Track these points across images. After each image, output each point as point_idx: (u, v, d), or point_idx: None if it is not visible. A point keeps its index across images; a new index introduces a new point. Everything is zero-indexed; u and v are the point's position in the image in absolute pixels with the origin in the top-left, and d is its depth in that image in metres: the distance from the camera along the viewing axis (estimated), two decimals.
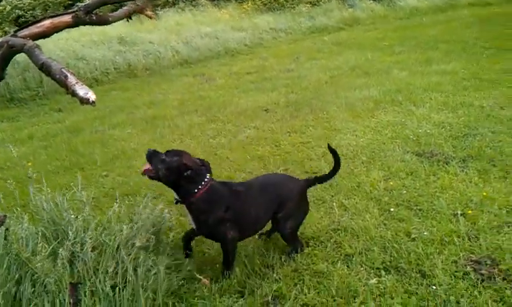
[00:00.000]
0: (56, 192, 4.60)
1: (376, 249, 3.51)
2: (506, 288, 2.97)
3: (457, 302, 2.88)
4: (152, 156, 3.41)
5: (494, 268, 3.17)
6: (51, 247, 3.27)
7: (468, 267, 3.20)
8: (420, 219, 3.85)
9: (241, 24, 15.69)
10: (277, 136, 6.17)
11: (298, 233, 3.66)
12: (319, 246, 3.65)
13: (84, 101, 2.04)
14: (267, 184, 3.61)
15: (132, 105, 8.84)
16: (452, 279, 3.10)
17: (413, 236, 3.62)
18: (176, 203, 3.39)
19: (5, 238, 3.22)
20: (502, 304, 2.86)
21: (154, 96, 9.36)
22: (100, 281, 2.98)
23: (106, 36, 13.05)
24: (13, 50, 2.25)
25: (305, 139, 5.96)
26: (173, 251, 3.47)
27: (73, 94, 2.14)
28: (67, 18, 3.14)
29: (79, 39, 12.94)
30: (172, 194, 4.64)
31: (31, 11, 19.07)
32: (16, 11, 18.53)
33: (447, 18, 15.53)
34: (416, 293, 3.02)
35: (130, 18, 4.01)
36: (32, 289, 3.01)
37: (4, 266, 3.02)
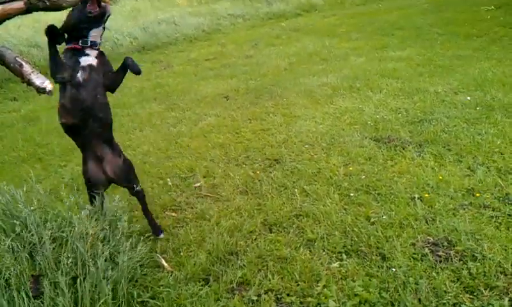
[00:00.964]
0: (12, 184, 4.53)
1: (337, 233, 3.59)
2: (462, 269, 3.09)
3: (416, 283, 2.98)
4: None
5: (450, 250, 3.28)
6: (10, 240, 3.21)
7: (426, 249, 3.31)
8: (379, 203, 3.95)
9: (199, 10, 15.59)
10: (238, 123, 6.18)
11: None
12: (281, 232, 3.71)
13: (40, 90, 2.00)
14: None
15: None
16: (410, 261, 3.20)
17: (372, 220, 3.71)
18: None
19: None
20: (459, 284, 2.96)
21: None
22: (61, 273, 2.95)
23: (60, 22, 12.71)
24: None
25: (265, 126, 5.99)
26: (132, 239, 3.44)
27: (29, 83, 2.09)
28: (19, 4, 3.03)
29: (32, 25, 12.57)
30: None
31: None
32: None
33: (403, 5, 15.76)
34: (377, 275, 3.11)
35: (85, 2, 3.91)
36: None
37: None
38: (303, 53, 10.21)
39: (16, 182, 4.92)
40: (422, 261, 3.20)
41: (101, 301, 2.85)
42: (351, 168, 4.61)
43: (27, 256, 3.06)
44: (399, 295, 2.90)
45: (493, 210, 3.67)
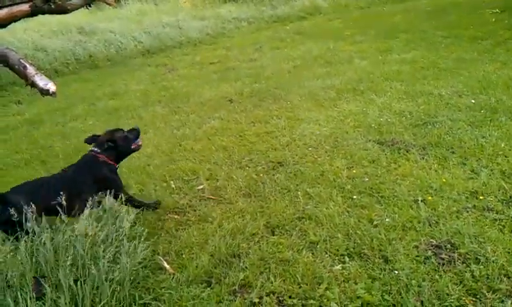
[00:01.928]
0: None
1: (339, 236, 3.58)
2: (465, 271, 3.07)
3: (419, 286, 2.97)
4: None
5: (454, 253, 3.27)
6: (11, 241, 3.23)
7: (429, 252, 3.30)
8: (382, 205, 3.94)
9: (204, 13, 15.63)
10: (241, 126, 6.19)
11: None
12: (284, 235, 3.70)
13: (44, 92, 2.01)
14: None
15: (93, 96, 8.72)
16: (413, 264, 3.19)
17: (375, 222, 3.70)
18: None
19: None
20: (462, 287, 2.95)
21: (116, 87, 9.25)
22: (65, 274, 2.95)
23: (66, 26, 12.80)
24: None
25: (269, 128, 6.00)
26: (134, 241, 3.45)
27: (33, 85, 2.10)
28: (25, 7, 3.07)
29: (38, 29, 12.66)
30: (137, 186, 4.64)
31: None
32: None
33: (407, 8, 15.74)
34: (380, 278, 3.10)
35: (90, 6, 3.96)
36: None
37: None
38: (307, 56, 10.21)
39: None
40: (425, 263, 3.19)
41: (102, 303, 2.86)
42: (354, 171, 4.60)
43: (28, 257, 3.07)
44: (402, 297, 2.89)
45: (497, 213, 3.65)
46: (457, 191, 4.01)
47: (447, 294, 2.89)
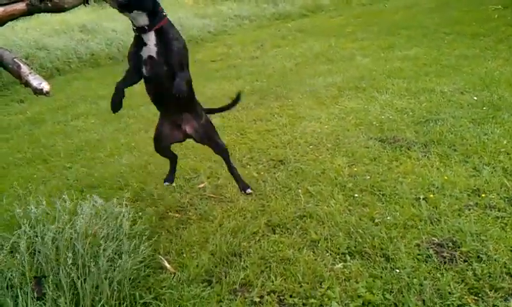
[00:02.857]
0: (18, 186, 4.55)
1: (341, 234, 3.57)
2: (467, 270, 3.05)
3: (421, 285, 2.95)
4: None
5: (455, 251, 3.25)
6: (11, 241, 3.22)
7: (431, 250, 3.28)
8: (383, 203, 3.92)
9: (205, 11, 15.60)
10: (242, 124, 6.17)
11: None
12: (285, 233, 3.69)
13: (37, 91, 2.00)
14: None
15: (95, 95, 8.70)
16: (415, 262, 3.18)
17: (376, 220, 3.68)
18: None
19: None
20: (464, 285, 2.93)
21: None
22: (64, 274, 2.95)
23: (67, 24, 12.79)
24: None
25: (270, 126, 5.98)
26: (134, 240, 3.44)
27: (27, 84, 2.09)
28: (21, 5, 3.04)
29: (40, 28, 12.64)
30: (138, 185, 4.63)
31: None
32: None
33: (409, 4, 15.69)
34: (381, 276, 3.08)
35: (87, 3, 3.94)
36: None
37: None
38: (309, 54, 10.19)
39: (22, 183, 4.97)
40: (427, 262, 3.17)
41: (102, 302, 2.85)
42: (355, 169, 4.58)
43: (28, 256, 3.07)
44: (403, 296, 2.87)
45: (499, 211, 3.63)
46: (459, 189, 3.99)
47: (449, 293, 2.87)
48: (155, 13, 3.42)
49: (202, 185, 4.64)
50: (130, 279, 3.11)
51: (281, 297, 3.04)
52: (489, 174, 4.16)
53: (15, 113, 8.09)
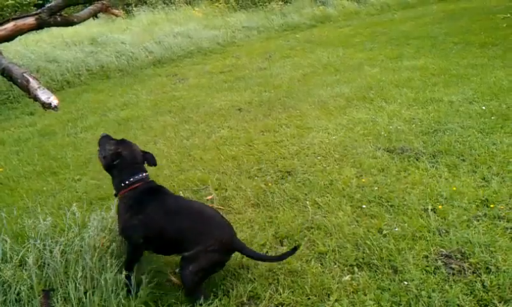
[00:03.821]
0: (27, 198, 4.58)
1: (348, 246, 3.56)
2: (476, 281, 3.04)
3: (429, 297, 2.94)
4: (102, 141, 3.38)
5: (464, 262, 3.24)
6: (20, 255, 3.24)
7: (439, 262, 3.26)
8: (391, 215, 3.91)
9: (214, 23, 15.66)
10: (250, 135, 6.18)
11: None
12: (293, 245, 3.67)
13: (46, 106, 2.01)
14: (200, 214, 3.30)
15: (105, 107, 8.75)
16: (423, 274, 3.16)
17: (384, 232, 3.67)
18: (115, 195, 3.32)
19: None
20: (473, 297, 2.92)
21: (127, 98, 9.28)
22: (72, 287, 2.97)
23: (78, 37, 12.91)
24: None
25: (278, 138, 5.98)
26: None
27: (36, 99, 2.11)
28: (31, 20, 3.09)
29: (51, 41, 12.77)
30: None
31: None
32: None
33: (417, 14, 15.71)
34: (389, 289, 3.07)
35: (96, 17, 3.99)
36: (4, 297, 2.98)
37: None
38: (317, 64, 10.20)
39: (31, 196, 5.01)
40: (435, 274, 3.16)
41: None
42: (363, 180, 4.57)
43: (36, 269, 3.09)
44: None
45: (508, 221, 3.61)
46: (467, 199, 3.97)
47: (458, 305, 2.86)
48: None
49: (210, 197, 4.65)
50: (137, 292, 3.11)
51: None
52: (498, 184, 4.14)
53: (25, 126, 8.15)
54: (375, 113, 6.38)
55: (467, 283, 3.04)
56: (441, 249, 3.40)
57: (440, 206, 3.91)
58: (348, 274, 3.28)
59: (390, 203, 4.09)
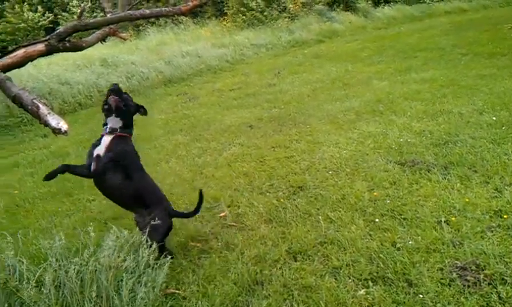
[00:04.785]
0: (43, 219, 4.63)
1: (362, 260, 3.56)
2: (492, 293, 3.03)
3: None
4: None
5: (479, 274, 3.23)
6: (37, 275, 3.27)
7: (454, 274, 3.26)
8: (404, 228, 3.91)
9: (222, 41, 15.78)
10: (262, 152, 6.21)
11: None
12: (306, 260, 3.69)
13: (56, 131, 2.06)
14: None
15: None
16: (438, 287, 3.16)
17: (398, 245, 3.67)
18: None
19: None
20: None
21: (138, 117, 9.32)
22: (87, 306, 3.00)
23: (89, 59, 13.05)
24: None
25: (289, 153, 6.01)
26: (154, 271, 3.47)
27: (46, 124, 2.15)
28: (40, 46, 3.17)
29: (62, 63, 12.93)
30: None
31: (11, 37, 19.05)
32: None
33: (425, 27, 15.75)
34: (404, 302, 3.07)
35: (104, 41, 4.06)
36: None
37: None
38: (326, 79, 10.25)
39: (47, 217, 5.06)
40: (450, 286, 3.15)
41: None
42: (375, 193, 4.58)
43: (53, 289, 3.11)
44: None
45: None
46: (480, 210, 3.96)
47: None
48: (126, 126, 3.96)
49: (223, 214, 4.67)
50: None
51: None
52: (510, 194, 4.13)
53: (39, 148, 8.25)
54: (385, 126, 6.39)
55: (483, 295, 3.03)
56: (456, 261, 3.39)
57: (453, 218, 3.91)
58: (363, 289, 3.28)
59: (402, 216, 4.09)
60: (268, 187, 5.14)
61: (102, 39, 3.85)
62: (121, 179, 3.73)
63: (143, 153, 6.93)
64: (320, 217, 4.26)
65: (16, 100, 1.96)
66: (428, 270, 3.33)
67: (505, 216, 3.82)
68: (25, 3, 20.58)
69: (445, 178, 4.65)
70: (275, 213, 4.48)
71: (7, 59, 2.98)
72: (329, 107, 7.85)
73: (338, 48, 14.46)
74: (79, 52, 3.54)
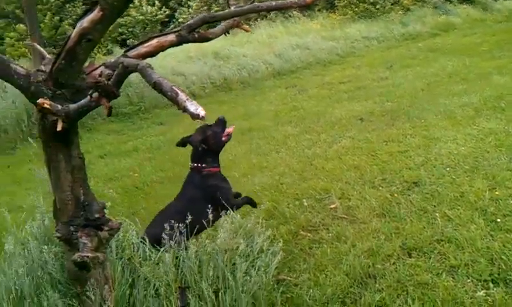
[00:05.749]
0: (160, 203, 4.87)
1: (482, 260, 3.40)
2: None
3: None
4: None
5: None
6: (160, 253, 3.45)
7: None
8: None
9: (332, 34, 15.64)
10: (373, 145, 6.10)
11: None
12: (422, 257, 3.59)
13: (194, 116, 2.15)
14: None
15: (228, 117, 9.02)
16: None
17: None
18: None
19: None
20: None
21: (249, 109, 9.56)
22: (206, 285, 3.11)
23: (202, 51, 13.48)
24: (127, 70, 2.41)
25: (403, 148, 5.84)
26: (267, 256, 3.52)
27: (184, 110, 2.25)
28: (172, 37, 3.30)
29: (176, 55, 13.48)
30: (271, 204, 4.75)
31: (131, 29, 20.13)
32: (118, 29, 19.54)
33: None
34: None
35: (228, 33, 4.17)
36: (144, 292, 3.19)
37: (118, 270, 3.21)
38: (442, 73, 9.83)
39: (164, 200, 5.31)
40: None
41: None
42: (497, 192, 4.33)
43: (173, 268, 3.27)
44: None
45: None
46: None
47: None
48: None
49: (334, 206, 4.65)
50: (264, 294, 3.20)
51: None
52: None
53: (155, 135, 8.69)
54: (507, 123, 6.02)
55: None
56: None
57: None
58: (482, 289, 3.14)
59: None
60: (380, 181, 5.04)
61: (227, 31, 3.95)
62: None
63: (254, 143, 7.10)
64: (437, 215, 4.11)
65: (157, 86, 2.07)
66: None
67: None
68: None
69: None
70: (388, 208, 4.39)
71: (142, 48, 3.14)
72: (445, 102, 7.52)
73: (455, 42, 13.80)
74: (201, 43, 3.68)
